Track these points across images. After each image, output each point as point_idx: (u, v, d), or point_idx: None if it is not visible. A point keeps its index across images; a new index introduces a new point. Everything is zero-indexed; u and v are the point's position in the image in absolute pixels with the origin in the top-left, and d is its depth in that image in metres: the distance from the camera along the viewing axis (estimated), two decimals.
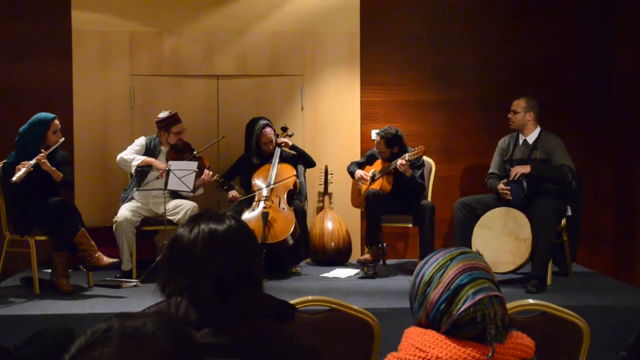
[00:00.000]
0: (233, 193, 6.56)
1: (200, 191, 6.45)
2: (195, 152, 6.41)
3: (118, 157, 6.29)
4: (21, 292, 5.65)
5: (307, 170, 6.79)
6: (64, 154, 5.89)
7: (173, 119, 6.37)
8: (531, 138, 6.06)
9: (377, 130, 6.74)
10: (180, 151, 6.41)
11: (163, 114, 6.40)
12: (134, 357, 1.05)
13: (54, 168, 5.62)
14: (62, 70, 7.04)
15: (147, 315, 1.12)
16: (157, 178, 6.19)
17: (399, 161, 6.22)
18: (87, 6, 7.04)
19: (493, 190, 6.11)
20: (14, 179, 5.38)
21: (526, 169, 5.85)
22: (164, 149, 6.42)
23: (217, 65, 7.22)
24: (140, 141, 6.43)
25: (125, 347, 1.06)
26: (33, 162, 5.45)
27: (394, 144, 6.44)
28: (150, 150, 6.38)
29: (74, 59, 7.05)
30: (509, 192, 5.88)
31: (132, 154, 6.28)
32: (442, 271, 1.81)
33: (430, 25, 7.37)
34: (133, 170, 6.27)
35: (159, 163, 6.24)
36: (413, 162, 6.27)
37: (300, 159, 6.68)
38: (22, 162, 5.45)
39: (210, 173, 6.31)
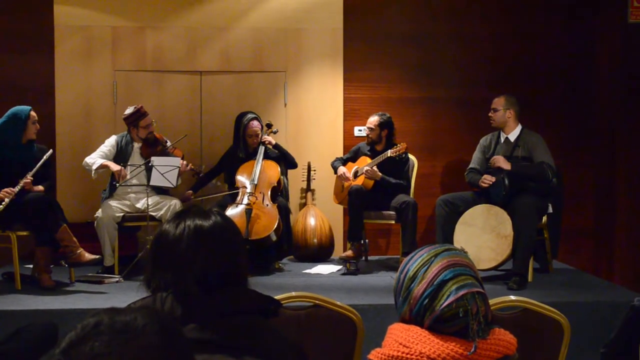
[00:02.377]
0: (188, 192, 6.60)
1: (179, 181, 6.42)
2: (168, 144, 6.39)
3: (83, 162, 6.23)
4: (2, 287, 5.61)
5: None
6: (41, 148, 5.84)
7: (139, 114, 6.31)
8: (512, 136, 6.10)
9: (360, 127, 6.86)
10: (153, 145, 6.37)
11: (128, 110, 6.35)
12: (124, 351, 1.06)
13: (39, 187, 5.65)
14: (45, 65, 7.00)
15: (137, 310, 1.13)
16: (116, 183, 6.13)
17: (365, 168, 6.31)
18: (70, 1, 7.00)
19: (472, 184, 6.12)
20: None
21: (507, 165, 5.88)
22: (136, 144, 6.38)
23: (200, 61, 7.21)
24: (110, 141, 6.37)
25: (115, 341, 1.06)
26: (17, 189, 5.43)
27: (385, 126, 6.56)
28: (122, 148, 6.34)
29: (56, 54, 7.02)
30: (490, 182, 5.87)
31: (95, 158, 6.20)
32: (426, 267, 1.83)
33: (412, 22, 7.39)
34: (92, 175, 6.20)
35: (114, 165, 6.15)
36: (397, 159, 6.31)
37: (282, 159, 6.67)
38: (5, 191, 5.41)
39: (185, 162, 6.29)
